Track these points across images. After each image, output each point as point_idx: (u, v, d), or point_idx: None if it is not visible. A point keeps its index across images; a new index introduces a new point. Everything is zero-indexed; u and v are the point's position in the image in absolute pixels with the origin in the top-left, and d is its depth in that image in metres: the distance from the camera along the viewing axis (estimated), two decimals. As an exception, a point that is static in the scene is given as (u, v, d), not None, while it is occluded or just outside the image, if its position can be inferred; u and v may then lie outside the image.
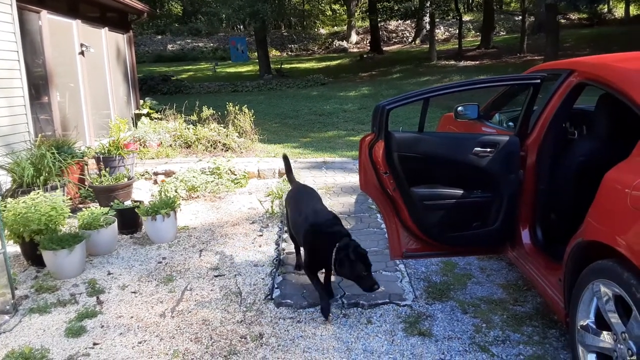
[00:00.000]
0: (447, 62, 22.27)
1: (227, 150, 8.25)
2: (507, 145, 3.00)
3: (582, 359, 2.31)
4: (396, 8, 26.67)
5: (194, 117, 9.07)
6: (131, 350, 2.90)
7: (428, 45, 24.96)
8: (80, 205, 5.59)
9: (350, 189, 6.10)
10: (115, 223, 4.50)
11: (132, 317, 3.28)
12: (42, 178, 4.94)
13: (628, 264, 1.95)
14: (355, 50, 30.42)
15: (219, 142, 8.34)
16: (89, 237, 4.17)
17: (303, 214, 3.47)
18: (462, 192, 3.09)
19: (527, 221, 3.07)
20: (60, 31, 7.56)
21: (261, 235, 4.71)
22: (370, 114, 3.38)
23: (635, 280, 1.91)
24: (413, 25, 31.57)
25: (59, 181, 5.08)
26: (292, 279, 3.75)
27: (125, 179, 5.56)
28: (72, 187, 5.53)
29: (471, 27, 31.07)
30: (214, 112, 9.05)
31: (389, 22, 31.82)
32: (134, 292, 3.63)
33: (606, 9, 29.41)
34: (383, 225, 4.60)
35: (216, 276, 3.86)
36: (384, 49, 28.83)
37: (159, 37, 35.12)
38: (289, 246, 4.25)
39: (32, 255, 4.04)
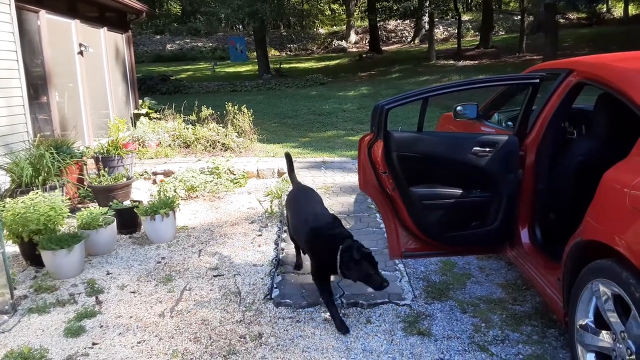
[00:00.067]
0: (446, 62, 22.27)
1: (226, 150, 8.25)
2: (506, 144, 3.00)
3: (581, 358, 2.31)
4: (395, 8, 26.68)
5: (193, 117, 9.07)
6: (130, 350, 2.90)
7: (427, 45, 24.97)
8: (79, 205, 5.58)
9: (349, 188, 6.10)
10: (114, 223, 4.49)
11: (131, 317, 3.28)
12: (41, 178, 4.94)
13: (627, 264, 1.95)
14: (355, 50, 30.43)
15: (218, 141, 8.34)
16: (88, 237, 4.17)
17: (303, 218, 3.42)
18: (461, 191, 3.09)
19: (526, 221, 3.07)
20: (59, 31, 7.55)
21: (260, 235, 4.71)
22: (369, 114, 3.38)
23: (634, 280, 1.92)
24: (412, 25, 31.58)
25: (58, 181, 5.08)
26: (291, 278, 3.75)
27: (124, 179, 5.56)
28: (71, 187, 5.52)
29: (470, 26, 31.09)
30: (213, 111, 9.04)
31: (388, 21, 31.83)
32: (133, 292, 3.63)
33: (605, 9, 29.44)
34: (382, 225, 4.60)
35: (215, 276, 3.86)
36: (383, 48, 28.85)
37: (158, 36, 35.10)
38: (288, 246, 4.25)
39: (31, 255, 4.03)
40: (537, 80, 3.06)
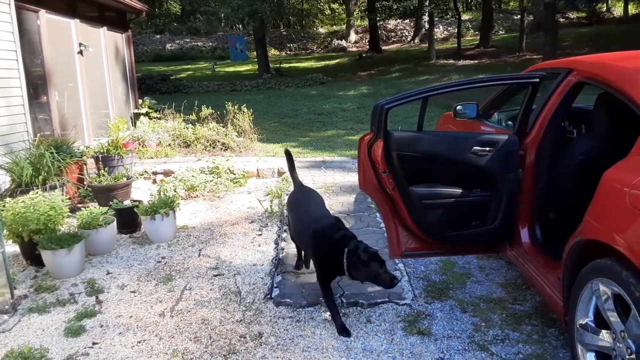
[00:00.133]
0: (446, 61, 22.27)
1: (226, 149, 8.24)
2: (506, 144, 3.00)
3: (581, 357, 2.31)
4: (395, 7, 26.72)
5: (193, 117, 9.06)
6: (130, 350, 2.90)
7: (427, 45, 24.96)
8: (79, 205, 5.58)
9: (349, 188, 6.10)
10: (115, 222, 4.50)
11: (131, 316, 3.28)
12: (41, 178, 4.94)
13: (627, 263, 1.95)
14: (354, 49, 30.42)
15: (218, 141, 8.33)
16: (88, 237, 4.17)
17: (306, 221, 3.38)
18: (461, 191, 3.09)
19: (526, 220, 3.07)
20: (58, 30, 7.55)
21: (260, 235, 4.71)
22: (369, 113, 3.37)
23: (634, 279, 1.92)
24: (412, 24, 31.57)
25: (58, 181, 5.08)
26: (291, 278, 3.75)
27: (124, 179, 5.56)
28: (71, 187, 5.52)
29: (470, 26, 31.08)
30: (213, 111, 9.04)
31: (388, 21, 31.84)
32: (133, 292, 3.63)
33: (605, 8, 29.43)
34: (382, 225, 4.59)
35: (215, 275, 3.86)
36: (383, 48, 28.83)
37: (158, 36, 35.09)
38: (288, 245, 4.25)
39: (31, 254, 4.04)
40: (537, 80, 3.06)
